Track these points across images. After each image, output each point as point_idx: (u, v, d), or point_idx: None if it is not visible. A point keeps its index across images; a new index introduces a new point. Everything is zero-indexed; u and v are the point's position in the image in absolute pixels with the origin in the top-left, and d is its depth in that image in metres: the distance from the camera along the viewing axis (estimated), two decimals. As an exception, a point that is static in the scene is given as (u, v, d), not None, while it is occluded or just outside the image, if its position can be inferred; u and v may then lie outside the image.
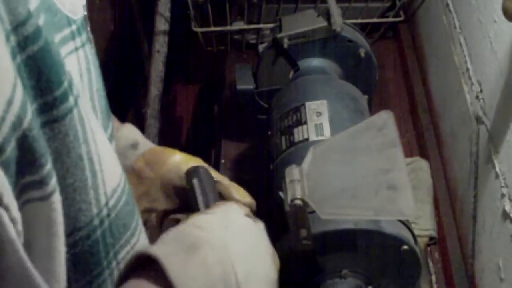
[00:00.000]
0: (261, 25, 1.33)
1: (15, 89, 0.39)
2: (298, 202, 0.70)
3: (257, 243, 0.64)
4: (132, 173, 0.76)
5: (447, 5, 1.16)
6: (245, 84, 1.12)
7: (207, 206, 0.70)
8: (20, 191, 0.42)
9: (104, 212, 0.53)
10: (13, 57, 0.41)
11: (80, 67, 0.54)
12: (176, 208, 0.78)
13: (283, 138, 0.97)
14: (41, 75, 0.44)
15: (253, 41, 1.39)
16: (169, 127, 1.54)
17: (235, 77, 1.13)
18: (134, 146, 0.78)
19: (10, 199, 0.39)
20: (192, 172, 0.73)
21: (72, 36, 0.53)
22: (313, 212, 0.70)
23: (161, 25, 1.29)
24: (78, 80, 0.53)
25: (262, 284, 0.63)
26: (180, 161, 0.76)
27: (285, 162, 0.92)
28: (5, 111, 0.38)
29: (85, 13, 0.57)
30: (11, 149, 0.39)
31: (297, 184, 0.70)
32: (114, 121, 0.80)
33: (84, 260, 0.52)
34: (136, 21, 1.49)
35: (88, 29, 0.58)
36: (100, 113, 0.59)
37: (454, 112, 1.13)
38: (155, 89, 1.31)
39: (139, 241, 0.60)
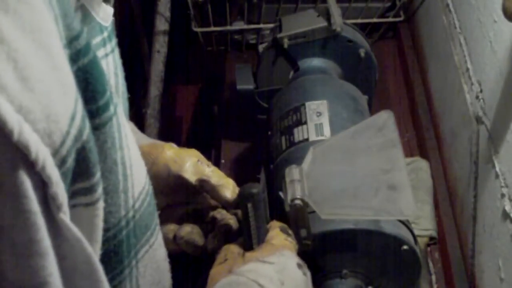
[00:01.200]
0: (261, 25, 1.33)
1: (77, 104, 0.41)
2: (298, 202, 0.70)
3: None
4: None
5: (447, 5, 1.16)
6: (245, 84, 1.12)
7: (260, 238, 0.69)
8: (70, 196, 0.43)
9: (131, 214, 0.55)
10: None
11: (109, 71, 0.56)
12: (171, 204, 0.77)
13: (283, 138, 0.97)
14: (88, 86, 0.45)
15: (253, 41, 1.39)
16: (169, 127, 1.54)
17: (235, 77, 1.13)
18: None
19: (67, 208, 0.40)
20: (247, 195, 0.70)
21: (104, 43, 0.54)
22: (313, 212, 0.70)
23: (161, 25, 1.29)
24: (115, 95, 0.54)
25: None
26: (169, 160, 0.75)
27: (285, 162, 0.92)
28: (69, 126, 0.39)
29: (113, 18, 0.58)
30: (71, 161, 0.40)
31: (297, 184, 0.70)
32: None
33: (108, 259, 0.53)
34: (136, 21, 1.49)
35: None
36: (125, 115, 0.60)
37: (454, 112, 1.13)
38: (155, 89, 1.31)
39: (157, 240, 0.61)
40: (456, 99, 1.11)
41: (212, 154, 1.28)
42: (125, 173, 0.52)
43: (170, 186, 0.76)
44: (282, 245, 0.69)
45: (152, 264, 0.60)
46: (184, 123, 1.61)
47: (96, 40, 0.54)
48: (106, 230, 0.51)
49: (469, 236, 1.01)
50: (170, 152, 0.76)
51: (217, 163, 1.21)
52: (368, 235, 0.82)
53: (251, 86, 1.11)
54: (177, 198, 0.77)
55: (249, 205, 0.69)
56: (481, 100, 0.98)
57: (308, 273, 0.67)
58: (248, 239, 0.69)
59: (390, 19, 1.37)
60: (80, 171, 0.43)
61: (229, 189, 0.74)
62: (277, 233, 0.70)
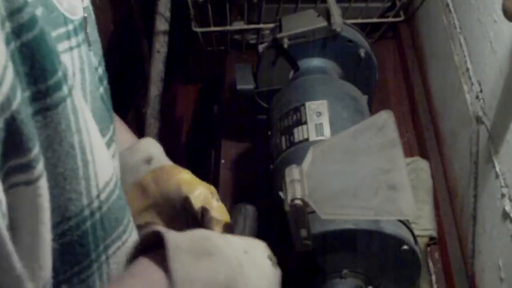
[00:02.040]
0: (261, 25, 1.33)
1: (6, 71, 0.40)
2: (298, 202, 0.70)
3: (269, 284, 0.63)
4: (139, 187, 0.76)
5: (447, 5, 1.16)
6: (245, 84, 1.12)
7: None
8: (6, 173, 0.42)
9: (95, 204, 0.53)
10: (7, 42, 0.41)
11: (73, 66, 0.54)
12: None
13: (283, 138, 0.97)
14: (34, 63, 0.44)
15: (253, 41, 1.39)
16: (169, 127, 1.54)
17: (235, 77, 1.13)
18: (148, 161, 0.77)
19: None
20: (240, 209, 0.72)
21: (68, 36, 0.53)
22: (313, 212, 0.70)
23: (161, 25, 1.29)
24: (71, 77, 0.53)
25: None
26: (183, 181, 0.75)
27: (285, 162, 0.92)
28: None
29: (85, 15, 0.57)
30: None
31: (297, 184, 0.70)
32: (132, 134, 0.80)
33: (72, 251, 0.52)
34: (136, 21, 1.49)
35: (90, 31, 0.59)
36: (94, 115, 0.58)
37: (454, 112, 1.13)
38: (155, 89, 1.31)
39: (131, 237, 0.60)
40: (456, 99, 1.11)
41: (212, 154, 1.28)
42: (84, 159, 0.51)
43: (176, 208, 0.76)
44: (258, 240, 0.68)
45: (126, 261, 0.58)
46: (184, 123, 1.61)
47: (59, 31, 0.52)
48: (67, 218, 0.50)
49: (469, 236, 1.01)
50: (187, 176, 0.76)
51: (217, 163, 1.21)
52: (368, 235, 0.82)
53: (251, 86, 1.11)
54: (177, 225, 0.76)
55: (240, 217, 0.71)
56: (481, 100, 0.98)
57: (279, 270, 0.65)
58: None
59: (390, 19, 1.37)
60: (13, 145, 0.41)
61: (219, 226, 0.74)
62: None
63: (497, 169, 0.91)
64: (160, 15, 1.28)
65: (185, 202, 0.74)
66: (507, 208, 0.87)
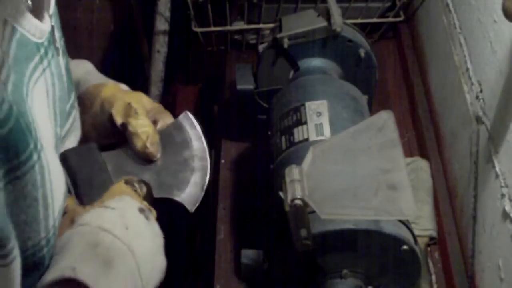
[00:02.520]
0: (261, 25, 1.33)
1: None
2: (298, 202, 0.70)
3: (153, 242, 0.66)
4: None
5: (447, 5, 1.16)
6: (245, 84, 1.12)
7: (93, 188, 0.69)
8: None
9: (51, 232, 0.58)
10: None
11: (47, 86, 0.58)
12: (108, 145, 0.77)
13: (283, 138, 0.97)
14: (9, 149, 0.48)
15: (253, 41, 1.39)
16: (169, 127, 1.53)
17: (235, 77, 1.13)
18: (76, 85, 0.77)
19: None
20: (74, 149, 0.71)
21: (41, 60, 0.56)
22: (313, 212, 0.70)
23: (161, 25, 1.29)
24: (44, 100, 0.57)
25: (158, 275, 0.66)
26: (105, 99, 0.75)
27: (285, 162, 0.92)
28: None
29: (52, 24, 0.59)
30: None
31: (297, 184, 0.70)
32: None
33: (31, 272, 0.57)
34: (136, 21, 1.49)
35: (57, 36, 0.61)
36: (60, 116, 0.62)
37: (454, 112, 1.13)
38: (155, 89, 1.31)
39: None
40: (456, 99, 1.11)
41: (212, 154, 1.28)
42: (45, 204, 0.55)
43: (107, 127, 0.75)
44: (120, 191, 0.69)
45: None
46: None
47: (34, 60, 0.55)
48: (24, 251, 0.54)
49: (469, 236, 1.01)
50: (108, 91, 0.75)
51: (217, 163, 1.21)
52: (368, 235, 0.82)
53: (251, 86, 1.11)
54: (116, 140, 0.76)
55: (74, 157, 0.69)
56: (481, 100, 0.98)
57: (152, 218, 0.67)
58: (76, 188, 0.69)
59: (390, 19, 1.37)
60: None
61: (141, 139, 0.72)
62: (118, 184, 0.70)
63: (497, 169, 0.91)
64: (160, 15, 1.28)
65: (112, 119, 0.74)
66: (507, 208, 0.87)
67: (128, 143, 0.74)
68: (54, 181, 0.56)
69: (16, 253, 0.50)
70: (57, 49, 0.60)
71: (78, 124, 0.72)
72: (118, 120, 0.73)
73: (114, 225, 0.63)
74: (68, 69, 0.67)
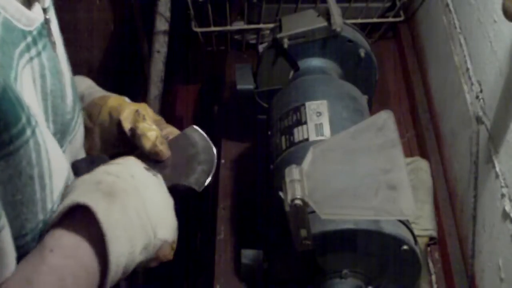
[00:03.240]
0: (261, 25, 1.33)
1: None
2: (298, 202, 0.70)
3: (160, 193, 0.66)
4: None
5: (447, 5, 1.16)
6: (245, 84, 1.12)
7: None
8: None
9: (49, 215, 0.57)
10: None
11: (34, 75, 0.57)
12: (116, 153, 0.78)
13: (283, 138, 0.97)
14: None
15: (253, 41, 1.39)
16: (169, 127, 1.53)
17: (235, 77, 1.13)
18: (80, 99, 0.78)
19: None
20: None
21: (27, 48, 0.56)
22: (313, 212, 0.70)
23: (161, 25, 1.29)
24: (32, 89, 0.57)
25: (169, 229, 0.66)
26: (112, 108, 0.76)
27: (285, 162, 0.92)
28: None
29: (47, 17, 0.59)
30: None
31: (297, 184, 0.70)
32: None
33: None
34: (136, 21, 1.49)
35: (54, 31, 0.61)
36: (52, 112, 0.62)
37: (454, 112, 1.13)
38: (155, 89, 1.31)
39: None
40: (456, 99, 1.11)
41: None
42: (42, 184, 0.55)
43: (115, 135, 0.77)
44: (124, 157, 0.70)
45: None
46: (184, 123, 1.61)
47: (20, 47, 0.55)
48: (24, 235, 0.55)
49: (469, 236, 1.01)
50: (115, 101, 0.77)
51: (217, 163, 1.21)
52: (368, 235, 0.82)
53: (251, 86, 1.11)
54: (123, 149, 0.78)
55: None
56: (481, 100, 0.98)
57: (160, 177, 0.68)
58: None
59: (390, 19, 1.37)
60: None
61: (150, 140, 0.74)
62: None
63: (497, 169, 0.91)
64: (160, 15, 1.28)
65: (119, 126, 0.76)
66: (507, 208, 0.87)
67: (136, 150, 0.75)
68: (52, 162, 0.56)
69: (3, 223, 0.50)
70: (53, 43, 0.61)
71: (80, 138, 0.72)
72: (127, 125, 0.75)
73: (119, 172, 0.63)
74: (72, 79, 0.67)
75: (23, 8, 0.55)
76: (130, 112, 0.75)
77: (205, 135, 0.79)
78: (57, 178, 0.58)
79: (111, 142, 0.78)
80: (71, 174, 0.65)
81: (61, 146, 0.65)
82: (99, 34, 1.41)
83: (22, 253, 0.55)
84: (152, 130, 0.74)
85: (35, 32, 0.57)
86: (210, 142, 0.79)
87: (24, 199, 0.53)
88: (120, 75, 1.48)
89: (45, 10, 0.59)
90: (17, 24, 0.55)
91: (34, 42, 0.57)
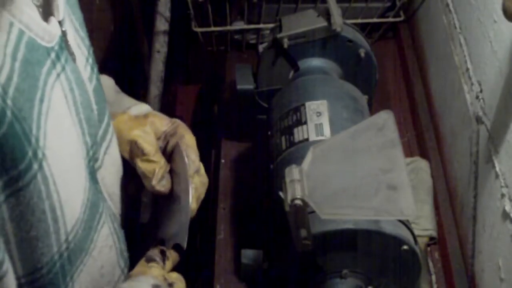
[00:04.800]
0: (261, 25, 1.33)
1: None
2: (298, 202, 0.70)
3: None
4: None
5: (447, 5, 1.16)
6: (245, 84, 1.12)
7: None
8: None
9: (64, 246, 0.57)
10: None
11: (64, 91, 0.56)
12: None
13: (283, 138, 0.97)
14: (5, 157, 0.47)
15: (253, 41, 1.39)
16: (169, 127, 1.53)
17: (235, 77, 1.13)
18: None
19: None
20: None
21: (53, 65, 0.54)
22: (313, 212, 0.70)
23: (161, 25, 1.29)
24: (65, 106, 0.56)
25: None
26: (120, 131, 0.73)
27: (285, 162, 0.92)
28: None
29: (63, 29, 0.57)
30: None
31: (297, 184, 0.70)
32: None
33: None
34: (136, 21, 1.49)
35: (71, 42, 0.59)
36: (86, 123, 0.60)
37: (454, 112, 1.13)
38: (155, 89, 1.31)
39: (91, 257, 0.63)
40: (456, 99, 1.11)
41: (212, 154, 1.28)
42: (54, 217, 0.54)
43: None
44: (138, 272, 0.68)
45: (86, 277, 0.62)
46: (184, 123, 1.61)
47: (47, 65, 0.53)
48: (39, 269, 0.54)
49: (469, 236, 1.01)
50: (114, 127, 0.73)
51: (217, 163, 1.21)
52: (368, 235, 0.82)
53: (251, 86, 1.11)
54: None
55: None
56: (481, 100, 0.98)
57: None
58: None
59: (390, 19, 1.37)
60: None
61: (148, 180, 0.72)
62: (140, 263, 0.70)
63: (497, 169, 0.91)
64: (160, 15, 1.28)
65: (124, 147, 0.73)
66: (507, 208, 0.87)
67: None
68: (62, 193, 0.54)
69: (6, 269, 0.50)
70: (71, 54, 0.59)
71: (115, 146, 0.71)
72: (127, 157, 0.73)
73: None
74: (97, 86, 0.65)
75: (45, 25, 0.53)
76: (127, 144, 0.72)
77: (185, 159, 0.75)
78: (69, 209, 0.56)
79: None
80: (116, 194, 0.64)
81: (98, 157, 0.64)
82: (99, 34, 1.41)
83: (37, 286, 0.55)
84: (151, 166, 0.72)
85: (56, 47, 0.55)
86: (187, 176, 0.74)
87: (39, 234, 0.52)
88: (120, 75, 1.48)
89: (60, 23, 0.57)
90: (41, 42, 0.53)
91: (58, 57, 0.55)
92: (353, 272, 0.85)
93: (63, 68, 0.56)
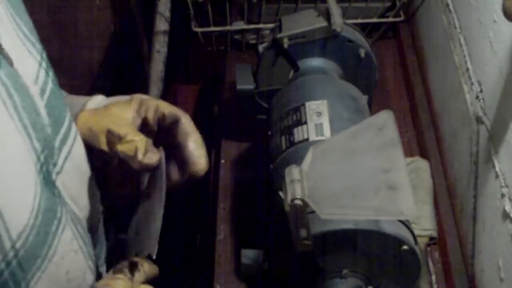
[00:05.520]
0: (261, 25, 1.33)
1: None
2: (298, 202, 0.70)
3: None
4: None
5: (447, 5, 1.16)
6: (245, 84, 1.12)
7: None
8: None
9: (11, 254, 0.54)
10: None
11: (1, 98, 0.53)
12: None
13: (283, 138, 0.97)
14: None
15: (253, 41, 1.39)
16: (169, 127, 1.53)
17: (235, 77, 1.13)
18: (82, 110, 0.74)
19: None
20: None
21: None
22: (313, 212, 0.70)
23: (161, 25, 1.29)
24: (3, 110, 0.53)
25: None
26: (83, 133, 0.70)
27: (285, 162, 0.92)
28: None
29: None
30: None
31: (297, 184, 0.70)
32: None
33: None
34: (136, 21, 1.49)
35: (7, 44, 0.56)
36: (32, 126, 0.57)
37: (454, 112, 1.13)
38: (155, 89, 1.31)
39: (51, 262, 0.60)
40: (456, 99, 1.11)
41: (212, 154, 1.28)
42: None
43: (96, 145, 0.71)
44: (102, 284, 0.66)
45: (48, 284, 0.59)
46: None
47: None
48: None
49: (469, 236, 1.01)
50: (80, 123, 0.70)
51: (217, 163, 1.21)
52: (368, 235, 0.82)
53: (251, 86, 1.11)
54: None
55: None
56: (481, 100, 0.98)
57: None
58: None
59: (390, 19, 1.37)
60: None
61: (136, 161, 0.68)
62: (107, 275, 0.67)
63: (497, 169, 0.91)
64: (160, 15, 1.28)
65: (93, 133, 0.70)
66: (507, 208, 0.87)
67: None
68: (2, 200, 0.52)
69: None
70: (7, 58, 0.56)
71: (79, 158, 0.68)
72: (107, 150, 0.70)
73: None
74: (54, 89, 0.63)
75: None
76: (103, 137, 0.69)
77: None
78: (11, 215, 0.53)
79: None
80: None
81: (57, 162, 0.62)
82: (99, 34, 1.42)
83: None
84: (131, 146, 0.68)
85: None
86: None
87: None
88: (120, 75, 1.48)
89: None
90: None
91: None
92: (353, 272, 0.85)
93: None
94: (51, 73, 0.63)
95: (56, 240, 0.60)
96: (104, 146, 0.69)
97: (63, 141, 0.64)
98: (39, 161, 0.59)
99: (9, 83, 0.55)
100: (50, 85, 0.62)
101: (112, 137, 0.69)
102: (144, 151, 0.68)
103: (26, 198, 0.56)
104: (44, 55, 0.63)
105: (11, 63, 0.56)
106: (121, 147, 0.68)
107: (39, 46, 0.62)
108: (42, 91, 0.61)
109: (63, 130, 0.64)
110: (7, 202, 0.53)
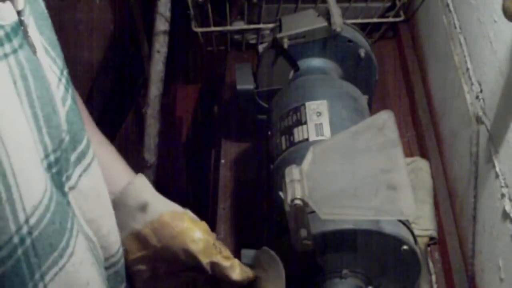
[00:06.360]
0: (261, 25, 1.33)
1: None
2: (298, 202, 0.70)
3: None
4: (137, 237, 0.78)
5: (447, 5, 1.16)
6: (245, 84, 1.12)
7: None
8: None
9: (25, 229, 0.53)
10: None
11: (12, 74, 0.53)
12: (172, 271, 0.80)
13: (283, 138, 0.97)
14: None
15: (253, 41, 1.39)
16: (169, 127, 1.54)
17: (235, 77, 1.13)
18: (143, 208, 0.78)
19: None
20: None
21: (1, 43, 0.51)
22: (313, 212, 0.70)
23: (161, 25, 1.29)
24: (10, 87, 0.52)
25: None
26: (187, 236, 0.78)
27: (285, 162, 0.92)
28: None
29: (22, 18, 0.55)
30: None
31: (297, 184, 0.70)
32: (126, 172, 0.81)
33: (8, 283, 0.53)
34: (136, 21, 1.49)
35: (35, 34, 0.57)
36: (45, 119, 0.57)
37: (454, 112, 1.13)
38: (155, 89, 1.31)
39: (70, 262, 0.59)
40: (456, 99, 1.11)
41: (212, 154, 1.28)
42: (6, 183, 0.51)
43: (178, 256, 0.78)
44: None
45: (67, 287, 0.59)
46: (184, 123, 1.61)
47: None
48: None
49: (469, 236, 1.01)
50: (188, 227, 0.78)
51: (217, 163, 1.21)
52: (368, 235, 0.82)
53: (251, 86, 1.11)
54: (175, 268, 0.80)
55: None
56: (481, 100, 0.98)
57: None
58: None
59: (390, 19, 1.37)
60: None
61: (235, 271, 0.79)
62: None
63: (497, 169, 0.91)
64: (160, 15, 1.28)
65: (187, 253, 0.77)
66: (507, 208, 0.87)
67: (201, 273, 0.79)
68: (13, 158, 0.51)
69: None
70: (31, 46, 0.56)
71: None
72: (204, 260, 0.78)
73: None
74: (72, 106, 0.63)
75: None
76: (204, 245, 0.78)
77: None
78: (25, 183, 0.53)
79: (166, 260, 0.79)
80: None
81: (70, 175, 0.62)
82: (99, 34, 1.42)
83: (0, 276, 0.52)
84: (230, 258, 0.79)
85: (8, 29, 0.52)
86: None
87: None
88: (120, 75, 1.48)
89: (19, 13, 0.54)
90: None
91: (8, 38, 0.52)
92: (353, 272, 0.85)
93: (15, 51, 0.53)
94: (70, 91, 0.63)
95: (73, 240, 0.60)
96: (203, 255, 0.78)
97: (80, 158, 0.64)
98: (46, 159, 0.58)
99: (27, 66, 0.54)
100: (69, 101, 0.62)
101: (213, 250, 0.80)
102: (243, 269, 0.81)
103: (38, 178, 0.55)
104: (65, 72, 0.63)
105: (34, 51, 0.56)
106: (223, 260, 0.79)
107: (60, 62, 0.62)
108: (62, 102, 0.61)
109: (80, 148, 0.64)
110: (19, 165, 0.52)
